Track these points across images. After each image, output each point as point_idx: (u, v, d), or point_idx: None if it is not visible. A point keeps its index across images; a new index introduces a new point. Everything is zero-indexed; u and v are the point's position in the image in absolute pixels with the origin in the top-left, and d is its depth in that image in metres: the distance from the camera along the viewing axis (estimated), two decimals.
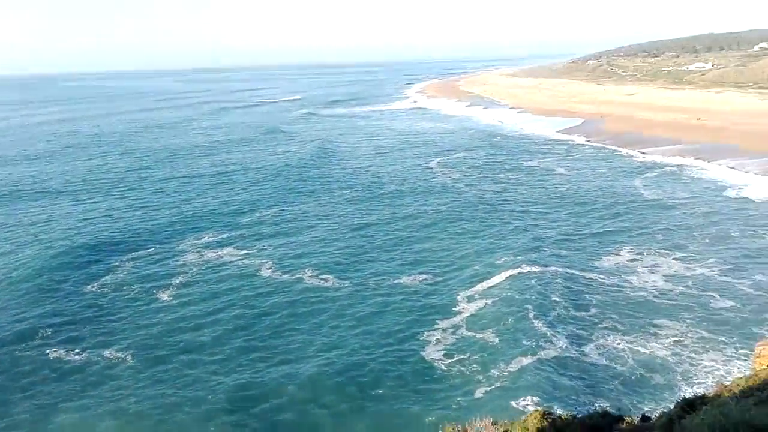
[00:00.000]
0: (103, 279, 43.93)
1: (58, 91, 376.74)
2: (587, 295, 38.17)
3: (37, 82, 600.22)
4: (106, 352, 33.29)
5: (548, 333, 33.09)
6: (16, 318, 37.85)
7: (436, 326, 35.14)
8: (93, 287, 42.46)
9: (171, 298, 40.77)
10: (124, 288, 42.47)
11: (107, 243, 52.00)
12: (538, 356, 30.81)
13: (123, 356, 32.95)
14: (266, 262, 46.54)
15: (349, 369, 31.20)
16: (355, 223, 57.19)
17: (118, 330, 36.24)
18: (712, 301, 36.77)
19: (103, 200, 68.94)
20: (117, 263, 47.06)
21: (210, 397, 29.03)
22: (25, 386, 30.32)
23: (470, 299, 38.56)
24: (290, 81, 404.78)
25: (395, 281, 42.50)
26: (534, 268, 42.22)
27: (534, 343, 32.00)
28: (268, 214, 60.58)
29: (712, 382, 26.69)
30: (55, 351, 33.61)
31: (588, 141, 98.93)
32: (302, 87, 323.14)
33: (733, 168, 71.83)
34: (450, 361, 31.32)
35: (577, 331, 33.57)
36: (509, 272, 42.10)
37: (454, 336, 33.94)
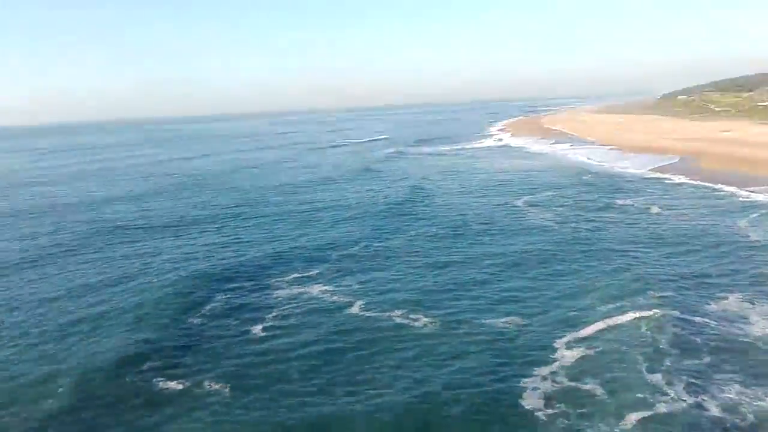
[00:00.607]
0: (201, 311, 45.71)
1: (159, 133, 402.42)
2: (698, 342, 35.78)
3: (137, 125, 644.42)
4: (205, 382, 34.39)
5: (660, 383, 31.15)
6: (123, 344, 39.82)
7: (532, 372, 33.80)
8: (193, 318, 44.24)
9: (262, 331, 41.79)
10: (220, 320, 44.00)
11: (205, 276, 54.21)
12: (652, 410, 28.98)
13: (220, 386, 33.95)
14: (352, 299, 46.96)
15: (438, 408, 30.69)
16: (442, 260, 56.91)
17: (214, 360, 37.42)
18: None
19: (200, 236, 72.25)
20: (214, 296, 48.89)
21: (300, 427, 29.45)
22: (130, 411, 31.74)
23: (569, 345, 36.96)
24: (376, 121, 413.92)
25: (484, 321, 41.63)
26: (637, 313, 40.14)
27: (646, 395, 30.14)
28: (355, 252, 61.36)
29: None
30: (158, 379, 34.98)
31: (685, 179, 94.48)
32: (388, 126, 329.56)
33: None
34: (551, 411, 29.87)
35: (692, 381, 31.39)
36: (611, 316, 40.24)
37: (553, 384, 32.42)
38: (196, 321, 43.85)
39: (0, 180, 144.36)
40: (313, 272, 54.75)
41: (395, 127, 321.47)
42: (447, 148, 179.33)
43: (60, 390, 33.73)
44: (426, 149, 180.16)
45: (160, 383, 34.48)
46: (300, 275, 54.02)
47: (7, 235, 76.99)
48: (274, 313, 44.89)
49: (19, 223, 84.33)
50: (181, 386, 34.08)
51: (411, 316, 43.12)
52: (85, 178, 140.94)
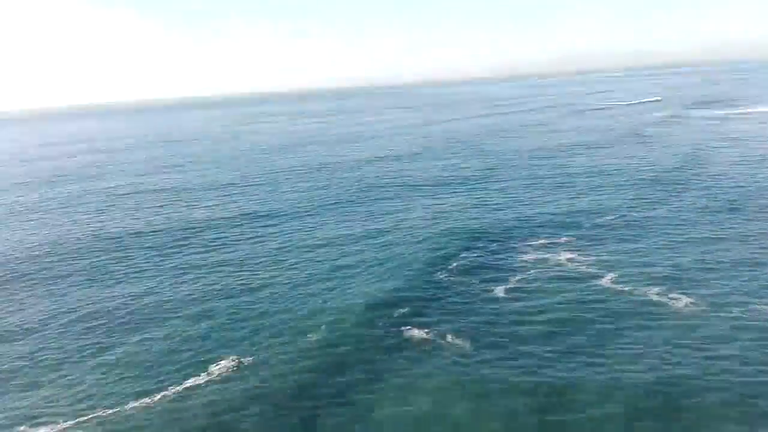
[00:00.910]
0: (448, 266, 47.59)
1: (410, 99, 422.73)
2: None
3: (390, 90, 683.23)
4: (448, 334, 35.94)
5: None
6: (376, 290, 43.45)
7: None
8: (440, 273, 46.32)
9: (505, 292, 42.00)
10: (465, 277, 45.36)
11: (453, 235, 56.23)
12: None
13: (460, 339, 35.21)
14: (603, 270, 44.57)
15: (687, 394, 28.08)
16: (710, 236, 50.83)
17: (457, 314, 38.82)
18: None
19: (451, 197, 74.83)
20: (460, 254, 50.47)
21: (537, 389, 29.30)
22: (377, 352, 34.66)
23: None
24: (644, 82, 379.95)
25: (757, 307, 36.36)
26: None
27: None
28: (610, 221, 57.85)
29: None
30: (405, 326, 37.43)
31: None
32: (659, 88, 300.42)
33: None
34: None
35: None
36: None
37: None
38: (443, 276, 45.84)
39: (280, 140, 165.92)
40: (562, 239, 53.12)
41: (664, 90, 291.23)
42: (728, 111, 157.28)
43: (321, 326, 38.29)
44: (703, 112, 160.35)
45: (406, 330, 36.93)
46: (548, 241, 52.86)
47: (285, 188, 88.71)
48: (517, 276, 44.81)
49: (296, 179, 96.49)
50: (424, 335, 36.16)
51: (669, 294, 39.47)
52: (350, 140, 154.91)
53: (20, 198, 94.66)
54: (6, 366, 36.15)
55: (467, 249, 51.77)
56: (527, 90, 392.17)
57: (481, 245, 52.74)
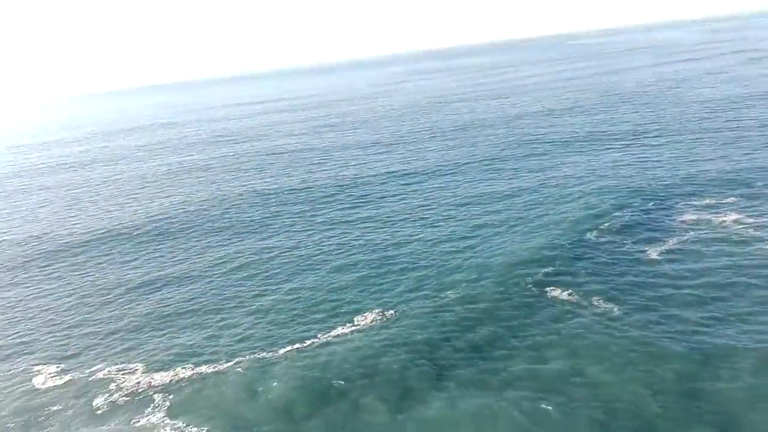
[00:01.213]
0: (598, 226, 45.55)
1: (563, 50, 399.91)
2: None
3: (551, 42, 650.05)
4: (594, 296, 34.74)
5: None
6: (522, 248, 42.77)
7: None
8: (589, 233, 44.48)
9: (659, 254, 39.50)
10: (616, 236, 43.24)
11: (606, 193, 53.44)
12: None
13: (607, 301, 33.91)
14: None
15: None
16: None
17: (605, 275, 37.28)
18: None
19: (605, 153, 70.88)
20: (612, 213, 47.97)
21: (689, 355, 27.77)
22: (513, 310, 34.45)
23: None
24: None
25: None
26: None
27: None
28: None
29: None
30: (550, 286, 36.66)
31: None
32: None
33: None
34: None
35: None
36: None
37: None
38: (592, 236, 43.96)
39: (429, 98, 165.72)
40: (729, 199, 48.45)
41: None
42: None
43: (462, 283, 38.58)
44: None
45: (550, 291, 36.16)
46: (713, 201, 48.50)
47: (431, 146, 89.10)
48: (674, 238, 41.81)
49: (442, 137, 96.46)
50: (568, 296, 35.21)
51: None
52: (501, 95, 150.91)
53: (189, 157, 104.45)
54: (173, 308, 40.84)
55: (621, 208, 49.05)
56: (710, 35, 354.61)
57: (636, 204, 49.69)
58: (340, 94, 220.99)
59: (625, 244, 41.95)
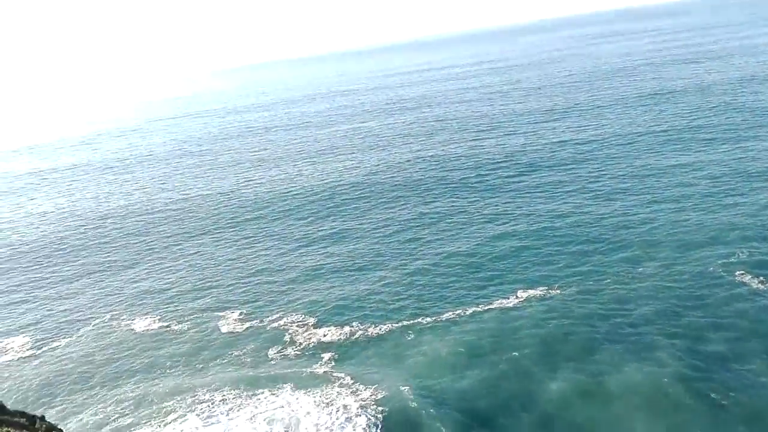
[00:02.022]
0: None
1: None
2: None
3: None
4: None
5: None
6: (715, 230, 39.84)
7: None
8: None
9: None
10: None
11: None
12: None
13: None
14: None
15: None
16: None
17: None
18: None
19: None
20: None
21: None
22: (695, 301, 32.25)
23: None
24: None
25: None
26: None
27: None
28: None
29: None
30: (740, 273, 33.61)
31: None
32: None
33: None
34: None
35: None
36: None
37: None
38: None
39: (611, 63, 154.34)
40: None
41: None
42: None
43: (631, 261, 36.84)
44: None
45: (739, 275, 33.12)
46: None
47: (610, 115, 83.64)
48: None
49: (623, 106, 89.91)
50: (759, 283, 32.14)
51: None
52: (693, 60, 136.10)
53: (362, 124, 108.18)
54: (329, 263, 43.48)
55: None
56: None
57: None
58: (512, 60, 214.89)
59: None
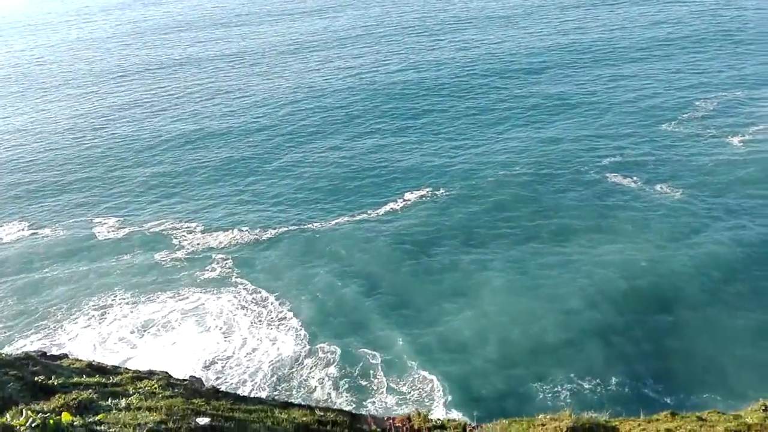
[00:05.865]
0: (679, 119, 46.09)
1: None
2: None
3: None
4: (658, 184, 36.79)
5: None
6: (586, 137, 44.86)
7: None
8: (667, 125, 45.13)
9: (741, 143, 40.30)
10: (698, 131, 43.67)
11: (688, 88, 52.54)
12: None
13: (672, 191, 35.90)
14: None
15: None
16: None
17: (677, 168, 38.88)
18: None
19: None
20: (697, 103, 47.95)
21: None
22: (580, 191, 37.63)
23: None
24: None
25: None
26: None
27: None
28: None
29: None
30: (613, 175, 39.06)
31: None
32: None
33: None
34: None
35: None
36: None
37: None
38: (671, 129, 44.38)
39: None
40: None
41: None
42: None
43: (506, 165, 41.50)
44: None
45: (618, 181, 38.05)
46: None
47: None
48: (756, 127, 42.13)
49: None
50: (636, 187, 37.19)
51: None
52: None
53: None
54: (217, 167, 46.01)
55: (709, 95, 48.20)
56: None
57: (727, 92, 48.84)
58: None
59: (707, 134, 42.53)
